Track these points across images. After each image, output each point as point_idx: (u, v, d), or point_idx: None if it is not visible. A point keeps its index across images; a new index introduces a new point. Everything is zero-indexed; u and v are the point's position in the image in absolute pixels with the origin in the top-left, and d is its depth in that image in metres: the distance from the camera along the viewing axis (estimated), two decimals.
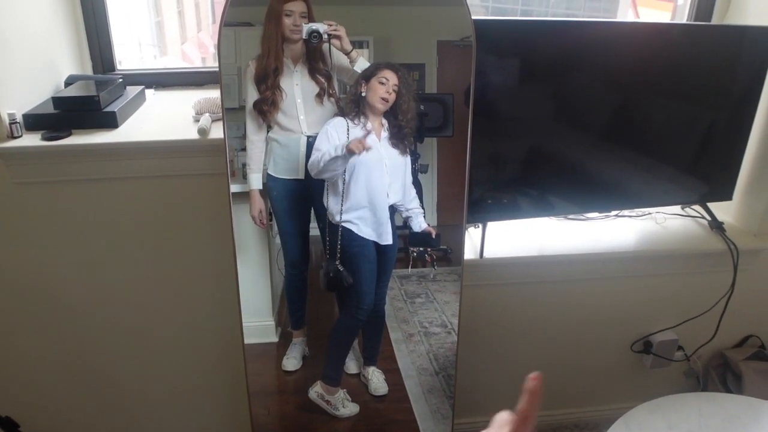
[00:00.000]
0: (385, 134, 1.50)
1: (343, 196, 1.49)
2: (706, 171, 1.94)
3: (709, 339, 2.03)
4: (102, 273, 1.72)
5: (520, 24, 1.72)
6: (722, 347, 2.19)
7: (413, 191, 1.58)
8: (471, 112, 1.50)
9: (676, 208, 2.10)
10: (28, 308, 1.73)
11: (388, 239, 1.54)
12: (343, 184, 1.48)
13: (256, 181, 1.51)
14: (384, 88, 1.45)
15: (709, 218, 2.01)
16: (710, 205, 2.02)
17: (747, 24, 1.90)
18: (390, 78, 1.44)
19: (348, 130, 1.46)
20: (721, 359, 2.19)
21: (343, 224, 1.51)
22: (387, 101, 1.46)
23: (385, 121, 1.50)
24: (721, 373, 2.18)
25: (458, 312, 1.69)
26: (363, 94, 1.45)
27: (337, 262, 1.53)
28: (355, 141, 1.39)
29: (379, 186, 1.50)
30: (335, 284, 1.54)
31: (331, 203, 1.51)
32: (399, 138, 1.50)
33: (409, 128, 1.49)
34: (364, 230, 1.52)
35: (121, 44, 1.90)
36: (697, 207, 2.07)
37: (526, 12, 3.37)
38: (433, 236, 1.60)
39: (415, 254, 1.65)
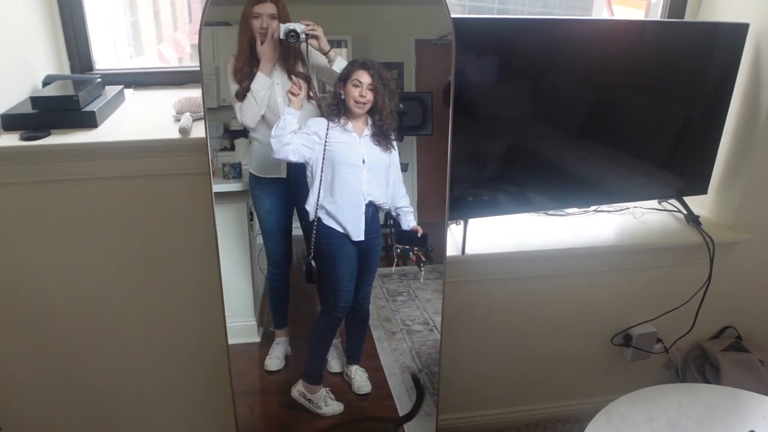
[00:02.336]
0: (367, 132, 1.49)
1: (319, 191, 1.48)
2: (681, 166, 1.97)
3: (687, 331, 2.07)
4: (83, 274, 1.70)
5: (498, 22, 1.73)
6: (700, 339, 2.22)
7: (402, 189, 1.57)
8: (451, 110, 1.51)
9: (653, 203, 2.13)
10: (6, 310, 1.71)
11: (360, 236, 1.53)
12: (320, 179, 1.47)
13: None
14: (358, 91, 1.44)
15: (685, 212, 2.04)
16: (686, 199, 2.05)
17: (718, 20, 1.93)
18: (363, 79, 1.43)
19: (328, 127, 1.46)
20: (699, 351, 2.23)
21: (318, 219, 1.50)
22: (364, 104, 1.45)
23: (369, 119, 1.50)
24: (699, 364, 2.22)
25: (441, 308, 1.70)
26: (342, 97, 1.45)
27: (311, 257, 1.52)
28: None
29: (354, 182, 1.49)
30: (309, 278, 1.54)
31: (308, 197, 1.50)
32: (382, 135, 1.49)
33: (387, 125, 1.49)
34: (337, 226, 1.51)
35: (97, 44, 1.89)
36: (673, 201, 2.11)
37: (502, 10, 3.40)
38: (419, 235, 1.60)
39: (399, 250, 1.65)
